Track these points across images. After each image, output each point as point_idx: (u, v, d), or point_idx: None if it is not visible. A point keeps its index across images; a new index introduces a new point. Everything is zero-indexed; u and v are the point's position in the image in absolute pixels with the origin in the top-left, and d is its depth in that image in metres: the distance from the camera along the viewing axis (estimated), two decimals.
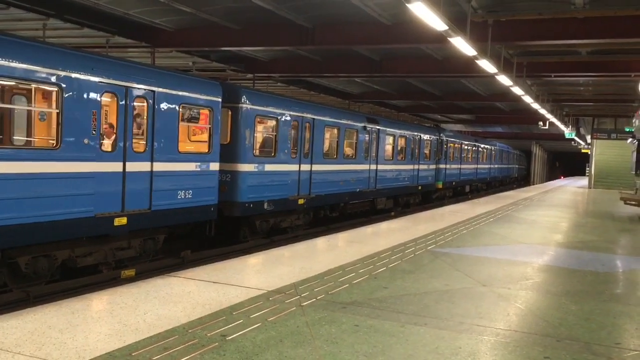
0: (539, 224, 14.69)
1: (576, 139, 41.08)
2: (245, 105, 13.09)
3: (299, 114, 15.10)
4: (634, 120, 22.00)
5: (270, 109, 13.96)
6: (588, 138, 37.96)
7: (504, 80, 16.42)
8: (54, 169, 8.51)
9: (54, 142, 8.64)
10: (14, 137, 9.57)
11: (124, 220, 9.75)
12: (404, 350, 4.79)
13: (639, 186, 18.41)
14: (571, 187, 36.80)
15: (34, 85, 8.95)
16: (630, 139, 28.63)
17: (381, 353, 4.70)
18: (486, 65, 14.00)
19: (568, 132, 35.93)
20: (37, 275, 8.96)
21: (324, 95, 28.76)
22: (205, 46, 17.00)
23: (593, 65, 18.79)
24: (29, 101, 9.69)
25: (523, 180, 59.45)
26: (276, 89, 26.50)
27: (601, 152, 36.98)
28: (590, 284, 7.83)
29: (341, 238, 11.06)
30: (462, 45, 11.79)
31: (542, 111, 25.65)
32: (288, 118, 14.58)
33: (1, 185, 7.78)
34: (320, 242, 10.65)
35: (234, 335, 4.94)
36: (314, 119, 15.76)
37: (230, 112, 12.90)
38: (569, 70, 19.25)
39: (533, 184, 53.27)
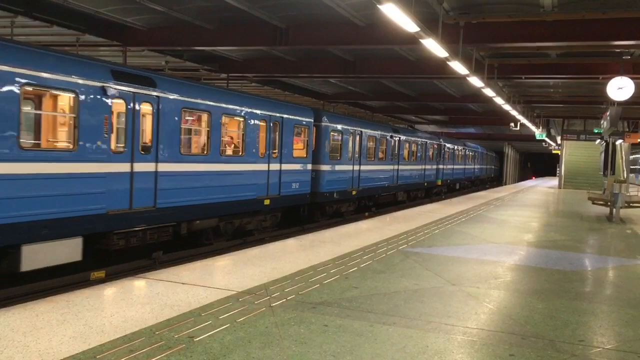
0: (510, 224, 14.91)
1: (547, 140, 41.75)
2: (325, 123, 18.27)
3: (353, 127, 20.26)
4: (602, 122, 22.45)
5: (339, 125, 19.20)
6: (558, 139, 38.61)
7: (475, 81, 16.61)
8: (242, 168, 13.83)
9: (240, 151, 13.88)
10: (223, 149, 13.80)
11: (268, 202, 14.96)
12: (371, 350, 4.81)
13: (606, 186, 18.78)
14: (542, 188, 37.41)
15: (232, 118, 13.85)
16: (598, 140, 29.23)
17: (349, 352, 4.72)
18: (458, 67, 14.15)
19: (539, 133, 36.51)
20: (225, 234, 13.95)
21: (299, 95, 28.74)
22: (177, 45, 16.87)
23: (562, 68, 19.15)
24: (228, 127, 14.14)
25: (496, 180, 60.28)
26: (250, 89, 26.40)
27: (571, 153, 37.66)
28: (558, 283, 7.97)
29: (314, 238, 11.07)
30: (434, 46, 11.89)
31: (514, 112, 26.01)
32: (348, 130, 19.82)
33: (220, 178, 12.89)
34: (293, 242, 10.64)
35: (202, 337, 4.90)
36: (361, 131, 20.95)
37: (315, 129, 17.84)
38: (539, 73, 19.58)
39: (505, 184, 54.04)
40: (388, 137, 23.93)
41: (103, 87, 9.72)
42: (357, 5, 13.09)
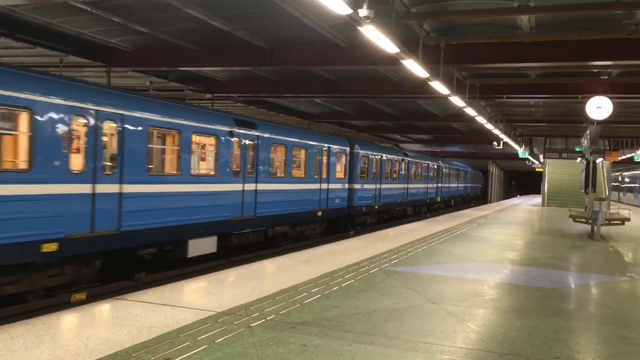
0: (492, 242, 15.01)
1: (530, 158, 42.20)
2: (356, 150, 22.26)
3: (375, 153, 24.36)
4: (583, 140, 22.77)
5: (367, 152, 23.31)
6: (541, 157, 39.06)
7: (457, 101, 16.83)
8: (305, 187, 17.86)
9: (303, 173, 17.94)
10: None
11: (320, 213, 18.92)
12: None
13: (587, 204, 18.99)
14: (526, 205, 37.72)
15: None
16: (579, 158, 29.60)
17: None
18: (439, 87, 14.34)
19: (521, 151, 36.89)
20: (288, 239, 17.45)
21: (284, 115, 28.87)
22: (162, 66, 16.94)
23: (542, 88, 19.47)
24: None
25: (481, 198, 60.65)
26: (235, 109, 26.50)
27: (553, 171, 38.06)
28: (537, 300, 8.05)
29: (298, 258, 11.07)
30: (415, 67, 12.07)
31: (496, 131, 26.32)
32: (373, 156, 23.95)
33: (292, 194, 16.93)
34: (276, 262, 10.63)
35: (179, 358, 4.89)
36: (381, 155, 25.19)
37: (349, 155, 21.82)
38: (520, 92, 19.89)
39: (490, 202, 54.40)
40: (400, 160, 28.11)
41: (230, 131, 13.88)
42: (339, 27, 13.27)
